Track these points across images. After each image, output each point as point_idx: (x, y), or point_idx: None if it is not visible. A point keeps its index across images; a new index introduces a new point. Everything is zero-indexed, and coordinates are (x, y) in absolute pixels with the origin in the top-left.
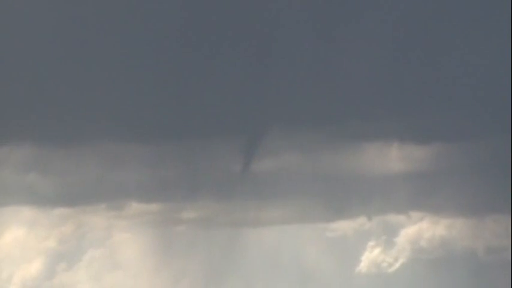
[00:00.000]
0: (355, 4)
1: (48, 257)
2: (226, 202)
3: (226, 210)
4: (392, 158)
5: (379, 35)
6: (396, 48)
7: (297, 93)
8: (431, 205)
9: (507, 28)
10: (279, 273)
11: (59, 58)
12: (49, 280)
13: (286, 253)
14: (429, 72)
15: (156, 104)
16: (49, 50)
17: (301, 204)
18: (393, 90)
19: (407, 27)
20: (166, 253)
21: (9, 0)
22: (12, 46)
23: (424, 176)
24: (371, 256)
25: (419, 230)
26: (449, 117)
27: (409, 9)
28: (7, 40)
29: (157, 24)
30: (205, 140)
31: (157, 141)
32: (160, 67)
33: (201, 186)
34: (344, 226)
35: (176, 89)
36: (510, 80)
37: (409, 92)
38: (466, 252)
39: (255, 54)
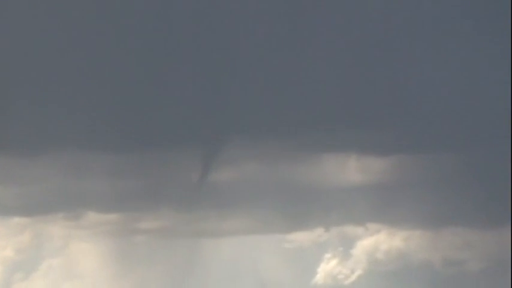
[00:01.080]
0: (316, 15)
1: (5, 266)
2: (185, 212)
3: (185, 220)
4: (351, 169)
5: (339, 48)
6: (356, 61)
7: (256, 104)
8: (388, 217)
9: (476, 37)
10: (237, 283)
11: (21, 68)
12: None
13: (244, 263)
14: (389, 84)
15: (115, 114)
16: (12, 61)
17: (260, 214)
18: (353, 102)
19: (366, 39)
20: (124, 263)
21: None
22: None
23: (382, 188)
24: (327, 268)
25: (376, 242)
26: (408, 130)
27: (367, 21)
28: None
29: (115, 36)
30: (165, 150)
31: (116, 151)
32: (119, 79)
33: (160, 196)
34: (301, 237)
35: (136, 99)
36: (470, 95)
37: (368, 104)
38: (423, 264)
39: (215, 65)
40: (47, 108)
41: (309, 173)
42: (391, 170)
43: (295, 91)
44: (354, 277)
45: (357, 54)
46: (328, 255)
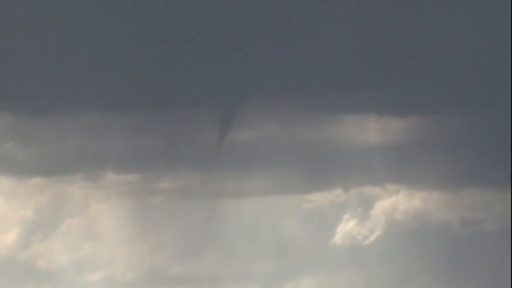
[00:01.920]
0: None
1: (24, 226)
2: (204, 173)
3: (204, 180)
4: (371, 130)
5: (358, 6)
6: (375, 20)
7: (275, 65)
8: (407, 178)
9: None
10: (255, 243)
11: (39, 27)
12: (25, 250)
13: (263, 224)
14: (409, 44)
15: (134, 74)
16: (28, 19)
17: (279, 175)
18: (372, 62)
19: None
20: (143, 224)
21: None
22: None
23: (402, 149)
24: (346, 228)
25: (395, 203)
26: (428, 90)
27: None
28: None
29: None
30: (184, 110)
31: (135, 111)
32: (138, 38)
33: (179, 156)
34: (320, 198)
35: (154, 59)
36: (490, 54)
37: (388, 64)
38: (441, 224)
39: (233, 24)
40: (66, 67)
41: (329, 134)
42: (410, 131)
43: (315, 51)
44: (372, 238)
45: (377, 15)
46: (347, 216)
